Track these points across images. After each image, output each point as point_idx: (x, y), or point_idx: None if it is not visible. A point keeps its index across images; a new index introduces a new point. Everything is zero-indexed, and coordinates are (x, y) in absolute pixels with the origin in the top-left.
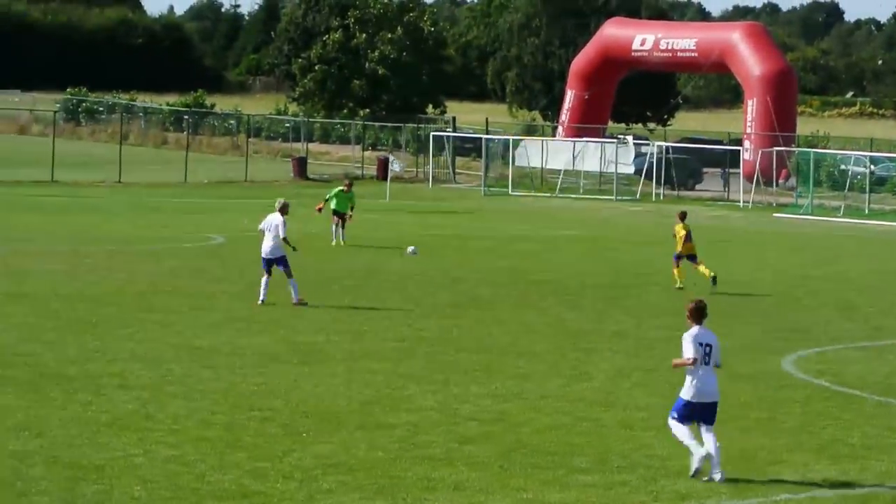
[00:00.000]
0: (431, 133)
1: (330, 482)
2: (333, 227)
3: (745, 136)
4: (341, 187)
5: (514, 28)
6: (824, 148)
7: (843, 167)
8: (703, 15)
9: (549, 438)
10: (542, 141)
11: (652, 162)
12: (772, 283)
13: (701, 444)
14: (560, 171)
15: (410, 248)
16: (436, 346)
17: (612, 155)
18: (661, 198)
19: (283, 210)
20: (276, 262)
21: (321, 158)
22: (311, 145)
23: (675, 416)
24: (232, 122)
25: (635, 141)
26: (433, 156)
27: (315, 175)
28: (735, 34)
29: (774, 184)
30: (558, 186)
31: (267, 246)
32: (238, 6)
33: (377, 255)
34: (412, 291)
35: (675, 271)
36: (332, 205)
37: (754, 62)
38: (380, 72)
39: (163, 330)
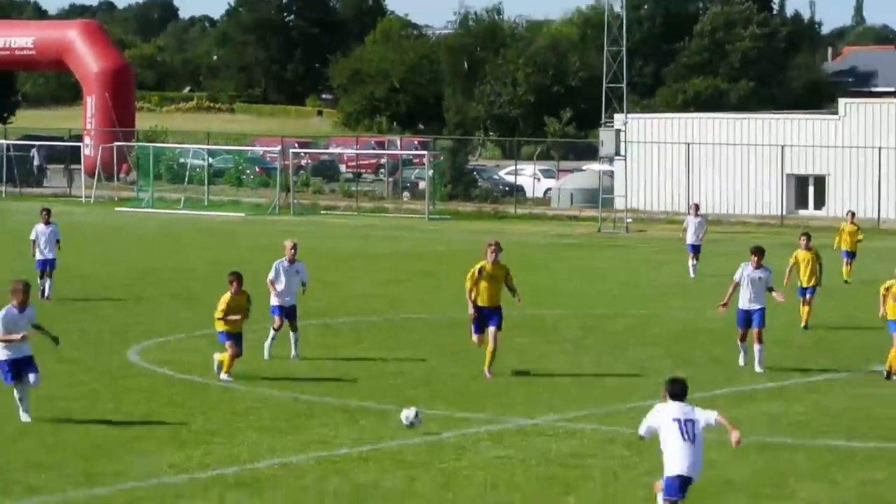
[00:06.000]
0: None
1: None
2: None
3: (85, 133)
4: None
5: None
6: (163, 142)
7: (182, 160)
8: (39, 13)
9: None
10: None
11: None
12: (117, 277)
13: None
14: None
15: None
16: None
17: None
18: (4, 195)
19: None
20: None
21: None
22: None
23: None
24: None
25: None
26: None
27: None
28: (72, 32)
29: (116, 178)
30: None
31: None
32: None
33: None
34: None
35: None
36: None
37: (91, 59)
38: None
39: None
